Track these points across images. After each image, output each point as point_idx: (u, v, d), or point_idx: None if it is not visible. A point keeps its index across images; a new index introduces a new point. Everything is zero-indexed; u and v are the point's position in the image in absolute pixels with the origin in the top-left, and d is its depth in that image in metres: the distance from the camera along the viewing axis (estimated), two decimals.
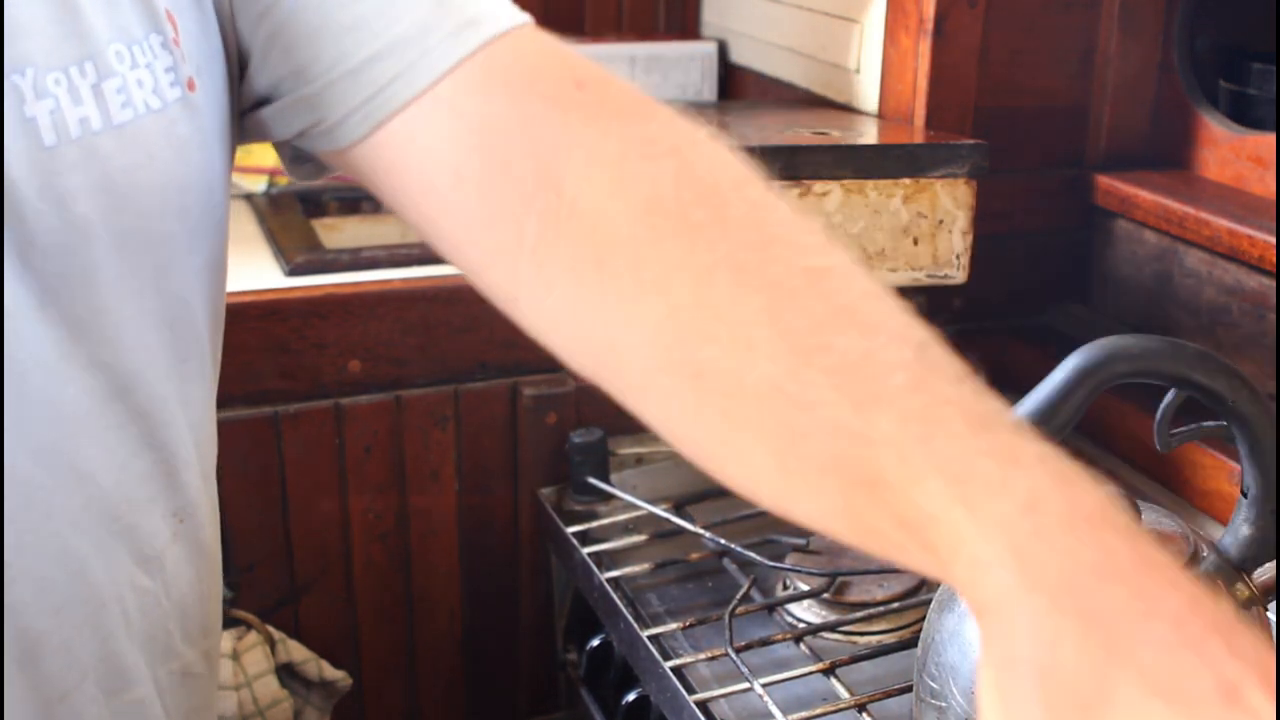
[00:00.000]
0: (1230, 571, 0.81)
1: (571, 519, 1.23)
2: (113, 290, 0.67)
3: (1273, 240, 1.14)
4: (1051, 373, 0.79)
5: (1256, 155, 1.26)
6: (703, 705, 0.96)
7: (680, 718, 0.98)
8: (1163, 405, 0.82)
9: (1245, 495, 0.81)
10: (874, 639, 1.05)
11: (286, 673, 1.24)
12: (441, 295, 1.23)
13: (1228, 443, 0.83)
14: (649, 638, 1.04)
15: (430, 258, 1.29)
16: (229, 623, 1.22)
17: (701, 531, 1.16)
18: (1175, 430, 0.82)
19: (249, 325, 1.18)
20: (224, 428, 1.19)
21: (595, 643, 1.19)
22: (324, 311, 1.20)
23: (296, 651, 1.24)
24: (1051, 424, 0.78)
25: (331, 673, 1.26)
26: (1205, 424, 0.82)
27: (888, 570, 1.10)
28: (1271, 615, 0.84)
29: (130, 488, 0.71)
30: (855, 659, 1.02)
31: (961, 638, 0.81)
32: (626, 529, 1.22)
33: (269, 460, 1.21)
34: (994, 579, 0.48)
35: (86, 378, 0.66)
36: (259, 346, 1.19)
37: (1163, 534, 0.82)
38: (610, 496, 1.24)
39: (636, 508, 1.21)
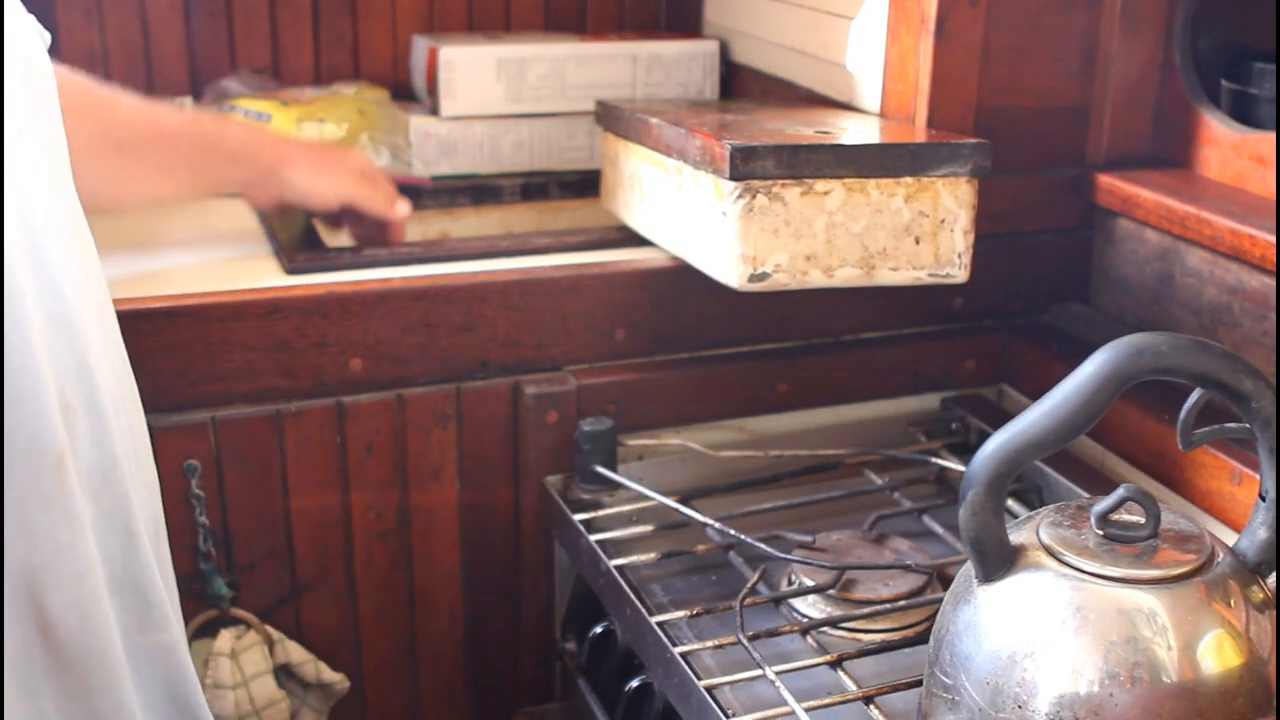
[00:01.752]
0: (1245, 574, 0.81)
1: (577, 507, 1.23)
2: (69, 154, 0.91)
3: (1274, 239, 1.14)
4: (1079, 368, 0.79)
5: (1258, 154, 1.26)
6: (710, 691, 0.96)
7: (687, 704, 0.98)
8: (1186, 405, 0.82)
9: (1264, 499, 0.81)
10: (878, 636, 1.05)
11: (284, 673, 1.24)
12: (443, 294, 1.23)
13: (1233, 445, 0.83)
14: (658, 624, 1.04)
15: (431, 256, 1.30)
16: (228, 622, 1.22)
17: (711, 521, 1.16)
18: (1197, 431, 0.82)
19: (250, 323, 1.18)
20: (226, 426, 1.19)
21: (598, 630, 1.18)
22: (325, 310, 1.20)
23: (295, 652, 1.24)
24: (1077, 418, 0.78)
25: (329, 675, 1.26)
26: (1228, 425, 0.82)
27: (895, 566, 1.10)
28: None
29: (106, 324, 0.91)
30: (864, 652, 1.02)
31: (976, 631, 0.82)
32: (631, 520, 1.22)
33: (270, 458, 1.21)
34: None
35: (73, 221, 0.89)
36: (260, 345, 1.19)
37: (1182, 534, 0.83)
38: (616, 487, 1.24)
39: (642, 499, 1.21)
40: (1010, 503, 1.24)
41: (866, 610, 1.06)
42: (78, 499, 0.82)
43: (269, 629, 1.23)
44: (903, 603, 1.07)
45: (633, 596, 1.08)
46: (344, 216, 1.38)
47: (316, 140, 1.51)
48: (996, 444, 0.80)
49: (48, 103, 0.89)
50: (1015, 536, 0.84)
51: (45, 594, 0.80)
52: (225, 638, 1.21)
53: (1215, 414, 0.84)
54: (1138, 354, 0.78)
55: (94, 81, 1.20)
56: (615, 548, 1.17)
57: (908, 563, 1.11)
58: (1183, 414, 0.82)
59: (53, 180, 0.87)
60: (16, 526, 0.79)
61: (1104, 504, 0.82)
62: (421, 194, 1.57)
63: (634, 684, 1.10)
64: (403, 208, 1.36)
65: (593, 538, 1.17)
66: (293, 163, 1.29)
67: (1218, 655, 0.77)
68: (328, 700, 1.27)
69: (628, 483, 1.22)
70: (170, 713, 0.93)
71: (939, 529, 1.20)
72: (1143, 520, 0.82)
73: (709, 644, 1.02)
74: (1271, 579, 0.82)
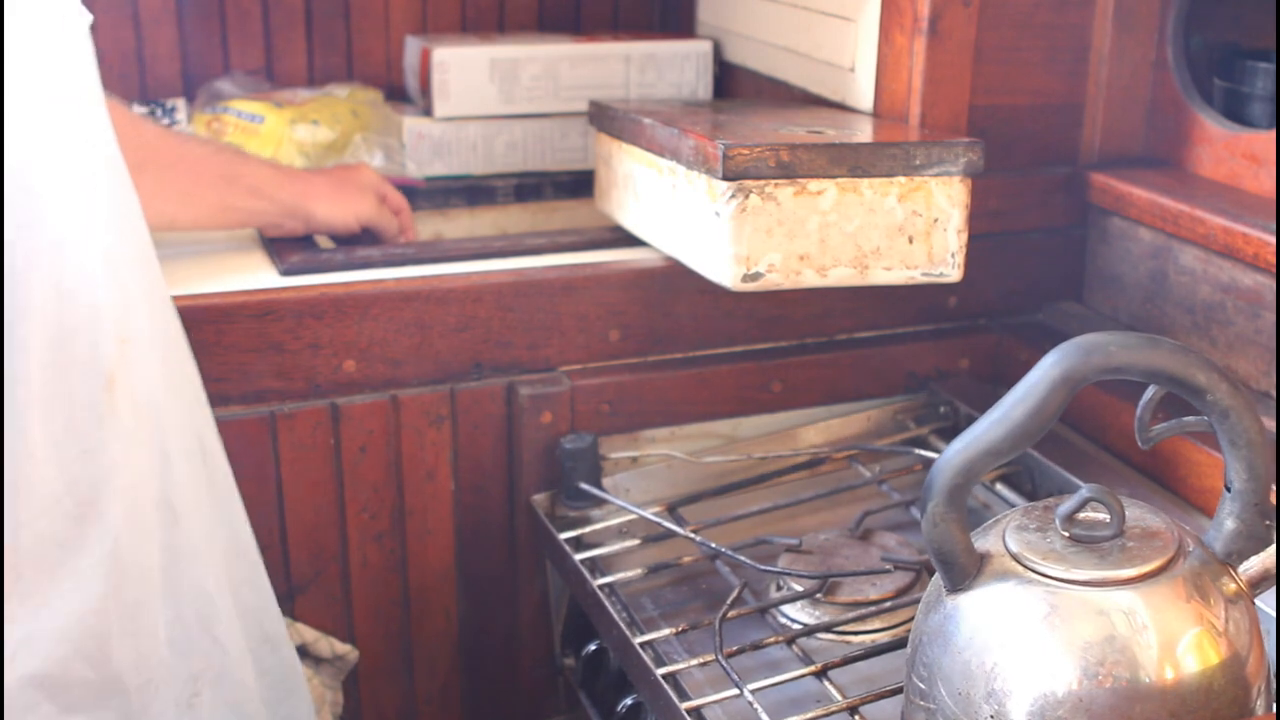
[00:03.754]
0: (1216, 565, 0.81)
1: (564, 524, 1.23)
2: None
3: (1268, 237, 1.14)
4: (1029, 373, 0.79)
5: (1251, 153, 1.26)
6: (695, 712, 0.96)
7: None
8: (1142, 402, 0.82)
9: (1229, 489, 0.81)
10: (867, 638, 1.05)
11: (300, 653, 1.25)
12: (436, 295, 1.23)
13: (1203, 434, 0.83)
14: (641, 644, 1.04)
15: (425, 257, 1.30)
16: None
17: (693, 536, 1.16)
18: (1155, 427, 0.82)
19: (244, 325, 1.18)
20: (220, 427, 1.19)
21: (591, 648, 1.18)
22: (319, 311, 1.20)
23: (306, 633, 1.25)
24: (1030, 425, 0.78)
25: (341, 647, 1.27)
26: (1186, 419, 0.82)
27: (879, 571, 1.10)
28: (1268, 606, 0.84)
29: (145, 263, 1.02)
30: (848, 660, 1.02)
31: (946, 640, 0.81)
32: (620, 533, 1.22)
33: (265, 460, 1.21)
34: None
35: (116, 173, 0.99)
36: (254, 347, 1.19)
37: (1148, 530, 0.82)
38: (603, 500, 1.24)
39: (627, 512, 1.21)
40: (1000, 488, 1.24)
41: (854, 614, 1.06)
42: (127, 419, 0.93)
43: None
44: (889, 603, 1.07)
45: (616, 618, 1.08)
46: (360, 236, 1.41)
47: (329, 161, 1.52)
48: (951, 455, 0.80)
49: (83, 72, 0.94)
50: (981, 543, 0.83)
51: (108, 508, 0.92)
52: None
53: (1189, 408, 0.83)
54: (1086, 355, 0.78)
55: (117, 101, 1.21)
56: (604, 563, 1.17)
57: (890, 564, 1.10)
58: (1138, 411, 0.82)
59: (95, 139, 0.94)
60: (76, 445, 0.90)
61: (1067, 506, 0.82)
62: (415, 195, 1.57)
63: (627, 702, 1.10)
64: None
65: (579, 556, 1.17)
66: (314, 198, 1.32)
67: (1192, 650, 0.77)
68: (340, 674, 1.28)
69: (611, 498, 1.22)
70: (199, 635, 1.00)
71: None
72: (1108, 519, 0.82)
73: (693, 662, 1.02)
74: (1243, 567, 0.82)
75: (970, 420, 1.31)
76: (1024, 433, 0.78)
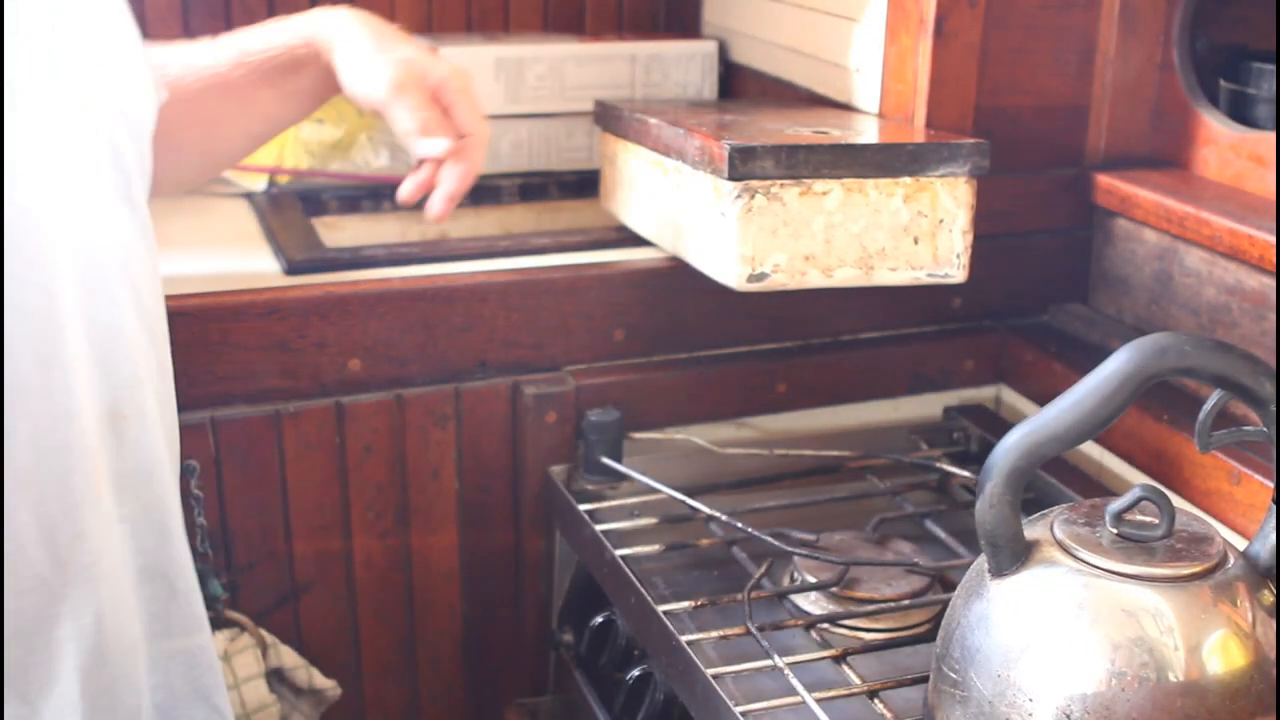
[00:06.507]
0: (1256, 578, 0.81)
1: (581, 498, 1.23)
2: None
3: (1272, 240, 1.14)
4: (1102, 364, 0.79)
5: (1256, 154, 1.26)
6: (716, 680, 0.96)
7: (692, 693, 0.98)
8: (1206, 407, 0.82)
9: (1277, 503, 0.82)
10: (879, 636, 1.05)
11: (276, 678, 1.24)
12: (442, 294, 1.23)
13: (1239, 449, 0.83)
14: (664, 612, 1.04)
15: (430, 256, 1.30)
16: (222, 623, 1.22)
17: (718, 514, 1.16)
18: (1216, 433, 0.82)
19: (249, 324, 1.18)
20: (224, 426, 1.19)
21: (598, 620, 1.18)
22: (324, 310, 1.20)
23: (288, 657, 1.24)
24: (1099, 414, 0.78)
25: (321, 681, 1.25)
26: (1245, 429, 0.83)
27: (900, 564, 1.10)
28: None
29: (155, 332, 0.97)
30: (869, 648, 1.03)
31: (987, 624, 0.82)
32: (634, 513, 1.22)
33: (269, 459, 1.21)
34: (339, 18, 1.15)
35: (130, 230, 0.94)
36: (259, 345, 1.19)
37: (1195, 535, 0.83)
38: (620, 480, 1.24)
39: (645, 493, 1.22)
40: None
41: (869, 608, 1.07)
42: (107, 501, 0.87)
43: (263, 632, 1.23)
44: (906, 603, 1.07)
45: (638, 584, 1.08)
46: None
47: (333, 161, 1.52)
48: (1017, 436, 0.80)
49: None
50: (1029, 532, 0.84)
51: (81, 587, 0.86)
52: (219, 640, 1.20)
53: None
54: (1161, 353, 0.79)
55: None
56: (618, 539, 1.17)
57: (914, 561, 1.11)
58: (1202, 415, 0.82)
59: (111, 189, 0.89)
60: (40, 526, 0.83)
61: (1119, 503, 0.82)
62: None
63: (634, 673, 1.10)
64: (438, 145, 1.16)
65: (597, 528, 1.17)
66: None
67: (1226, 656, 0.78)
68: (319, 706, 1.27)
69: (634, 474, 1.22)
70: (193, 703, 0.96)
71: (941, 533, 1.19)
72: (1157, 521, 0.82)
73: (713, 634, 1.03)
74: None
75: (984, 446, 1.32)
76: (1092, 421, 0.79)
